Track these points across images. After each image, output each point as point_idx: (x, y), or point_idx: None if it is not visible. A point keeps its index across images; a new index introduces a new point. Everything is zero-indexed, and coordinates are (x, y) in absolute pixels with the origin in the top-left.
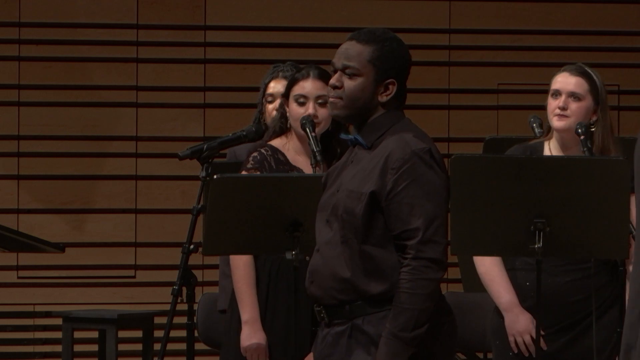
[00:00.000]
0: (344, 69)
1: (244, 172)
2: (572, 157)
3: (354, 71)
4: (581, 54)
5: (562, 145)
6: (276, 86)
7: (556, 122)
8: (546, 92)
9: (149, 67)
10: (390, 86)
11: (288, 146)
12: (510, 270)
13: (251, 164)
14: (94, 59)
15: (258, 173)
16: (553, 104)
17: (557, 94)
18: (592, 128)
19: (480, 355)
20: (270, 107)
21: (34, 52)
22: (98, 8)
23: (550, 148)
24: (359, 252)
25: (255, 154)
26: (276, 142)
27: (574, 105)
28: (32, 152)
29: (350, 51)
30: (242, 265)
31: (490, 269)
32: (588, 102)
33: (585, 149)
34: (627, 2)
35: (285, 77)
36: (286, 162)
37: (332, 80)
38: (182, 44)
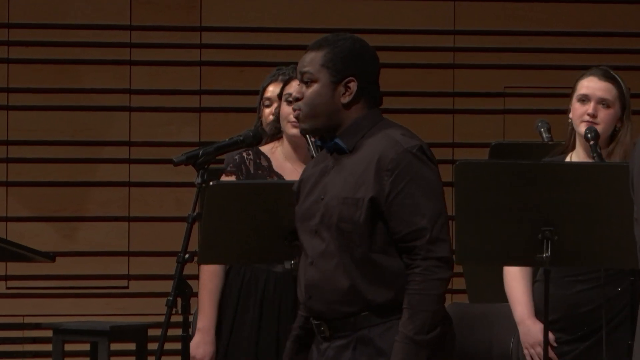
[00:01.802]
0: (302, 78)
1: (223, 175)
2: (581, 163)
3: (309, 77)
4: (590, 56)
5: (589, 153)
6: (275, 90)
7: (584, 129)
8: (554, 95)
9: (142, 69)
10: (351, 85)
11: (278, 150)
12: (535, 282)
13: (230, 167)
14: (85, 61)
15: (234, 177)
16: (581, 110)
17: (585, 99)
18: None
19: None
20: (267, 111)
21: (24, 54)
22: (90, 9)
23: (572, 156)
24: (361, 260)
25: (236, 156)
26: (267, 146)
27: (603, 113)
28: (22, 157)
29: (305, 59)
30: (207, 272)
31: (509, 282)
32: (616, 109)
33: (595, 154)
34: (638, 2)
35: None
36: (268, 167)
37: (295, 93)
38: (177, 46)
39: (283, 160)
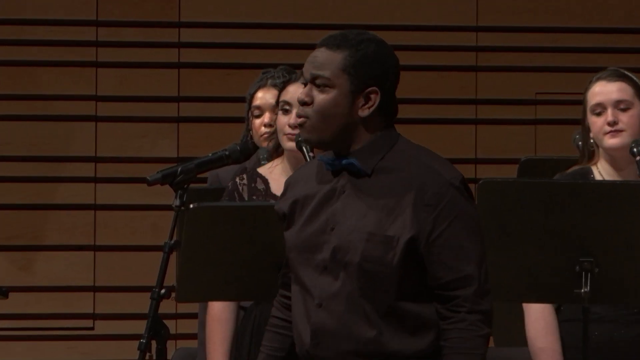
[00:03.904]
0: (313, 80)
1: None
2: (626, 182)
3: (325, 82)
4: (635, 56)
5: (615, 167)
6: (264, 96)
7: (609, 141)
8: None
9: (111, 72)
10: (372, 96)
11: (277, 169)
12: (567, 322)
13: (224, 195)
14: (44, 63)
15: None
16: (599, 123)
17: (600, 108)
18: None
19: None
20: (257, 122)
21: None
22: (49, 2)
23: (601, 172)
24: (387, 307)
25: (230, 183)
26: (264, 167)
27: (624, 117)
28: None
29: (320, 59)
30: (214, 321)
31: (539, 333)
32: (638, 108)
33: None
34: None
35: (275, 86)
36: (265, 190)
37: (300, 95)
38: (151, 45)
39: (282, 180)
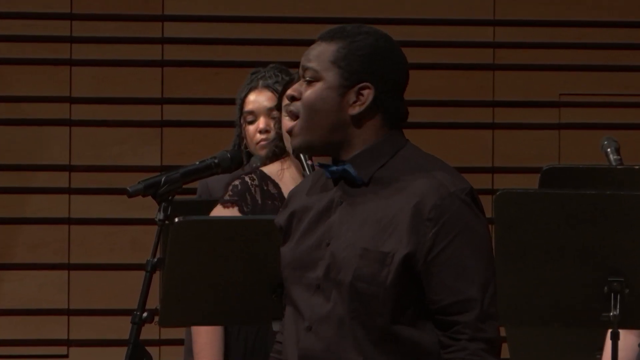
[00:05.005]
0: (304, 75)
1: (219, 207)
2: None
3: (312, 74)
4: None
5: None
6: (257, 99)
7: None
8: (626, 105)
9: (87, 71)
10: (365, 92)
11: (284, 174)
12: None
13: (229, 195)
14: (12, 61)
15: (236, 208)
16: None
17: None
18: None
19: None
20: (251, 128)
21: None
22: None
23: None
24: (380, 332)
25: (237, 182)
26: (270, 168)
27: None
28: None
29: (312, 52)
30: (204, 332)
31: None
32: None
33: None
34: None
35: (267, 87)
36: (278, 195)
37: (290, 91)
38: (132, 41)
39: (292, 186)
